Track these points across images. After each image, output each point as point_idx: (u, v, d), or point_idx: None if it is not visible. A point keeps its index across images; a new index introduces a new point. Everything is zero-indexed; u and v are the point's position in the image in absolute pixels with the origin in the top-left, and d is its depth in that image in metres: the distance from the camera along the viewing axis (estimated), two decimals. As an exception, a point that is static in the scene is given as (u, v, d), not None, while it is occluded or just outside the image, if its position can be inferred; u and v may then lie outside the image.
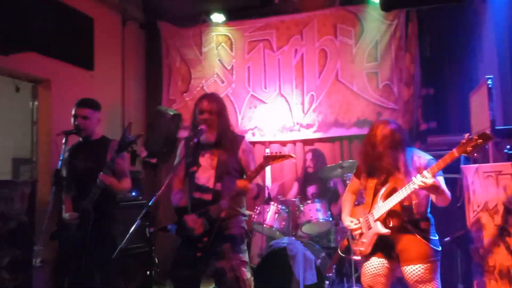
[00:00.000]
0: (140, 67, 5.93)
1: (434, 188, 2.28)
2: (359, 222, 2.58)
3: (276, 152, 2.70)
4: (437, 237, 2.46)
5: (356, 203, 2.77)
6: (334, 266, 3.85)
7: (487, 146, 2.17)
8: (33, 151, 4.54)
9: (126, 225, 3.12)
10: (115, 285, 3.05)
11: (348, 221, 2.65)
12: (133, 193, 4.63)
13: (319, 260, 3.81)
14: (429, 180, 2.23)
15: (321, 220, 4.01)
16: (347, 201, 2.78)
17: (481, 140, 2.10)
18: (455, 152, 2.18)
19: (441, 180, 2.38)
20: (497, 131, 2.96)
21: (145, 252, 4.57)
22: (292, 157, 2.67)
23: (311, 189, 4.68)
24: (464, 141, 2.15)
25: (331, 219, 4.07)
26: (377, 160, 2.50)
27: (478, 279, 2.71)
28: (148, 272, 4.51)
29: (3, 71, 4.36)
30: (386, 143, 2.46)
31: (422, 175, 2.26)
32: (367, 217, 2.54)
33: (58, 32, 4.17)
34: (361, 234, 2.57)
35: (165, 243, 4.98)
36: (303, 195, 4.62)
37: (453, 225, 3.74)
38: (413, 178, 2.30)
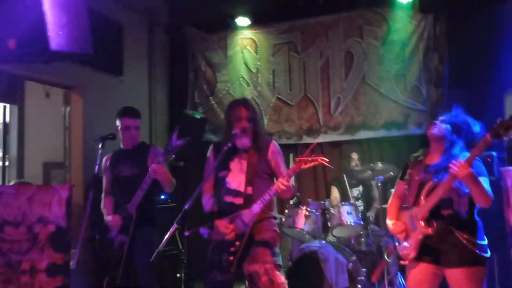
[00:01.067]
0: (166, 71, 6.01)
1: (471, 179, 2.25)
2: (404, 225, 2.55)
3: (308, 156, 2.66)
4: (485, 242, 2.39)
5: (404, 206, 2.74)
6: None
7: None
8: (66, 155, 4.64)
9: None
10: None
11: (391, 224, 2.63)
12: (163, 197, 4.69)
13: (351, 264, 3.78)
14: (464, 169, 2.21)
15: (352, 224, 3.98)
16: (392, 205, 2.75)
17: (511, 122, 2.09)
18: (488, 137, 2.17)
19: (485, 181, 2.34)
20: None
21: (174, 255, 4.63)
22: (325, 161, 2.64)
23: (356, 190, 4.66)
24: (496, 125, 2.14)
25: (362, 222, 4.04)
26: (422, 157, 2.56)
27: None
28: (178, 275, 4.57)
29: (37, 79, 4.47)
30: (432, 140, 2.51)
31: (458, 161, 2.24)
32: (411, 219, 2.51)
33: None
34: (406, 238, 2.54)
35: (194, 246, 5.02)
36: (345, 197, 4.61)
37: (489, 228, 3.66)
38: (449, 165, 2.28)
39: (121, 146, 3.29)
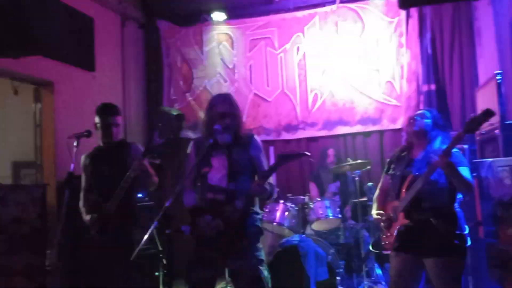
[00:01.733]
0: (140, 67, 5.90)
1: (450, 168, 2.34)
2: (387, 215, 2.61)
3: (291, 150, 2.68)
4: (465, 232, 2.48)
5: (389, 199, 2.81)
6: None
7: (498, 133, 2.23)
8: (37, 154, 4.49)
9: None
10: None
11: (376, 215, 2.70)
12: (140, 195, 4.60)
13: (330, 257, 3.83)
14: (443, 159, 2.29)
15: (331, 217, 4.03)
16: (377, 198, 2.82)
17: (484, 117, 2.19)
18: (461, 132, 2.27)
19: (465, 170, 2.43)
20: (507, 126, 3.01)
21: (153, 254, 4.55)
22: (307, 155, 2.65)
23: (333, 187, 4.71)
24: (468, 121, 2.24)
25: (340, 215, 4.10)
26: (406, 152, 2.62)
27: (494, 271, 2.75)
28: (156, 273, 4.50)
29: (6, 74, 4.30)
30: (414, 136, 2.57)
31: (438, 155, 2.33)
32: (393, 211, 2.57)
33: (61, 33, 4.12)
34: (389, 228, 2.60)
35: (173, 244, 4.97)
36: (323, 192, 4.65)
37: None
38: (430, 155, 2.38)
39: (101, 143, 3.21)
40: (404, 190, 2.52)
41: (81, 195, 3.16)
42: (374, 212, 2.75)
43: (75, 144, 3.04)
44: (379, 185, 2.87)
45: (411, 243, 2.51)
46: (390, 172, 2.71)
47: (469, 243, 2.47)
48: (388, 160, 2.81)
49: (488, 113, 2.19)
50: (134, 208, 3.20)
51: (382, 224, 2.65)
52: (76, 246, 3.04)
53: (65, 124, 4.40)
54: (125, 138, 4.75)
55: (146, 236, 2.39)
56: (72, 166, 3.03)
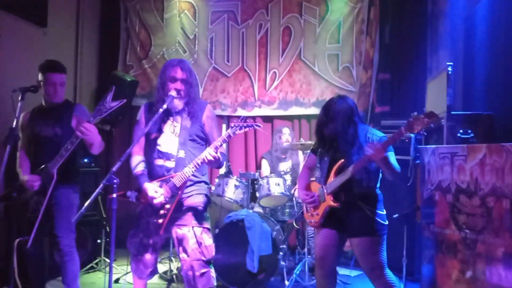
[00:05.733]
0: (95, 27, 5.63)
1: (383, 161, 2.43)
2: (314, 196, 2.69)
3: (243, 121, 2.63)
4: (384, 212, 2.63)
5: (314, 178, 2.89)
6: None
7: (432, 125, 2.30)
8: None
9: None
10: (75, 252, 2.98)
11: (303, 195, 2.76)
12: (85, 160, 4.46)
13: (274, 232, 3.90)
14: (380, 153, 2.35)
15: (279, 194, 4.09)
16: (302, 176, 2.91)
17: (427, 119, 2.21)
18: (402, 130, 2.30)
19: (391, 156, 2.52)
20: (453, 116, 3.15)
21: (96, 220, 4.45)
22: (259, 126, 2.66)
23: (284, 165, 4.75)
24: (411, 119, 2.25)
25: (288, 193, 4.17)
26: (332, 135, 2.61)
27: (427, 253, 2.91)
28: (98, 241, 4.41)
29: None
30: (341, 117, 2.57)
31: (374, 145, 2.39)
32: (321, 191, 2.67)
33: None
34: (315, 207, 2.70)
35: (116, 212, 4.86)
36: (274, 170, 4.68)
37: (401, 203, 3.97)
38: (365, 148, 2.42)
39: (42, 102, 3.06)
40: (333, 173, 2.60)
41: (18, 154, 3.03)
42: (301, 191, 2.83)
43: (19, 98, 2.89)
44: (305, 162, 2.95)
45: (337, 223, 2.64)
46: (318, 154, 2.77)
47: (387, 222, 2.61)
48: (315, 140, 2.84)
49: (431, 116, 2.20)
50: (76, 170, 3.09)
51: (308, 203, 2.73)
52: (10, 206, 2.91)
53: (10, 79, 4.13)
54: (71, 100, 4.55)
55: (88, 201, 2.30)
56: (15, 121, 2.88)
